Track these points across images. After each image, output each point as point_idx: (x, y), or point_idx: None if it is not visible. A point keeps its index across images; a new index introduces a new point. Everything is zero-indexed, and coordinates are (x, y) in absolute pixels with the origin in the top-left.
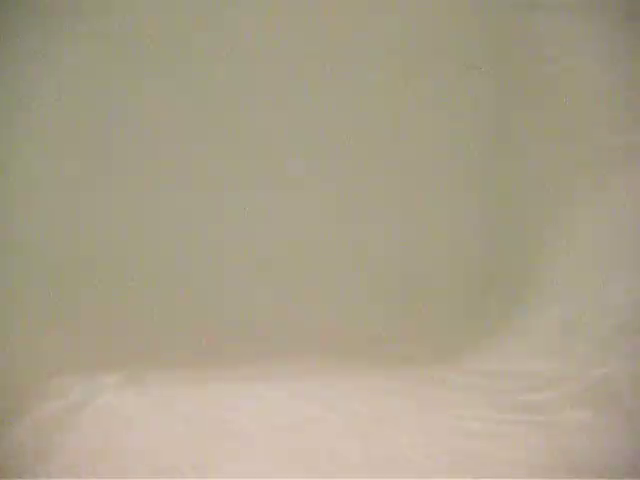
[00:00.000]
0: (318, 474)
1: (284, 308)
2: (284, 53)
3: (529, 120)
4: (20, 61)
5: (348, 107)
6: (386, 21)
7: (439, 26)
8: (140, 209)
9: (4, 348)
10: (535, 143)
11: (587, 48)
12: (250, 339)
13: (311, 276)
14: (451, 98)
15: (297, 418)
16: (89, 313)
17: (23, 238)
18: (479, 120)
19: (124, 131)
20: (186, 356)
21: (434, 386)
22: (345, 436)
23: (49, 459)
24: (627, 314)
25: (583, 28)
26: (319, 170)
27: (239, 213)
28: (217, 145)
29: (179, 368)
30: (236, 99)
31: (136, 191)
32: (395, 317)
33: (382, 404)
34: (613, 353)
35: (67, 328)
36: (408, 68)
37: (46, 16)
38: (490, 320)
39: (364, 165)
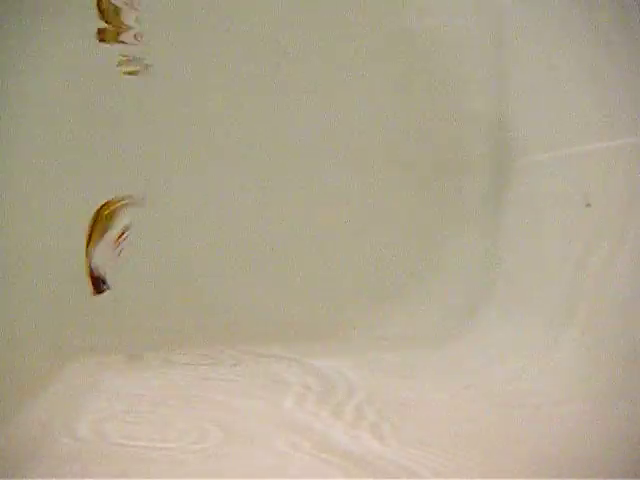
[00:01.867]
0: None
1: (280, 304)
2: (279, 50)
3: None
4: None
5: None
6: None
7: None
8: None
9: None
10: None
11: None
12: (250, 333)
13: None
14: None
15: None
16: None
17: (22, 234)
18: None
19: (124, 130)
20: (184, 341)
21: None
22: None
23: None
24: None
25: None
26: (314, 171)
27: (238, 212)
28: (217, 145)
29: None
30: (237, 99)
31: (136, 188)
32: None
33: None
34: None
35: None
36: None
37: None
38: None
39: (356, 169)
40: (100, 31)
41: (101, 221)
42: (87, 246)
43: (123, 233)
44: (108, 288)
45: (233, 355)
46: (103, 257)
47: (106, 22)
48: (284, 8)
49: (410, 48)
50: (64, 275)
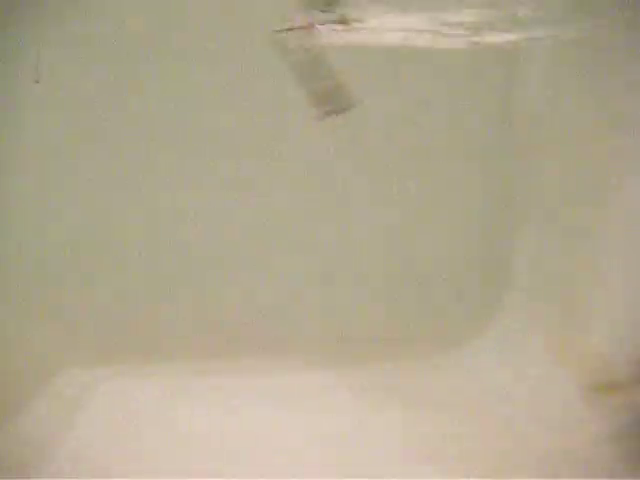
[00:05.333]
0: None
1: (285, 305)
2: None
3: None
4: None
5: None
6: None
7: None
8: (137, 208)
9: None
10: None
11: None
12: (250, 335)
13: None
14: (454, 99)
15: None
16: (86, 309)
17: (20, 238)
18: (482, 120)
19: (119, 128)
20: (184, 350)
21: None
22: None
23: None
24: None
25: None
26: (320, 168)
27: (237, 213)
28: (216, 145)
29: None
30: (235, 98)
31: (133, 188)
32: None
33: None
34: None
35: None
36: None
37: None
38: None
39: (364, 164)
40: None
41: None
42: None
43: None
44: None
45: (232, 360)
46: None
47: None
48: None
49: None
50: (62, 280)
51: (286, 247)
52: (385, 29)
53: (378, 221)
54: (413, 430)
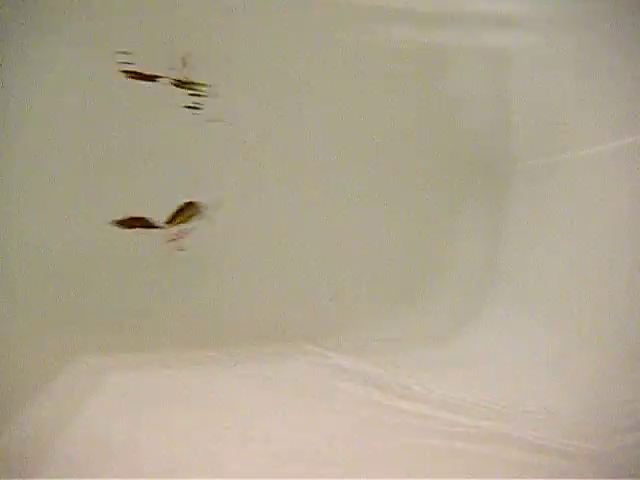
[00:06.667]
0: None
1: (276, 303)
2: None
3: None
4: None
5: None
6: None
7: None
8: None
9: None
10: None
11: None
12: (247, 330)
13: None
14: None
15: None
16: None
17: (25, 235)
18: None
19: (123, 131)
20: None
21: None
22: None
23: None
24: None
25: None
26: (316, 174)
27: (237, 214)
28: (219, 146)
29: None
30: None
31: (136, 189)
32: None
33: None
34: None
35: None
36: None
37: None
38: None
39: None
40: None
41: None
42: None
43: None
44: None
45: (233, 355)
46: None
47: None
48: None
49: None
50: (65, 274)
51: (282, 245)
52: None
53: (371, 221)
54: None
